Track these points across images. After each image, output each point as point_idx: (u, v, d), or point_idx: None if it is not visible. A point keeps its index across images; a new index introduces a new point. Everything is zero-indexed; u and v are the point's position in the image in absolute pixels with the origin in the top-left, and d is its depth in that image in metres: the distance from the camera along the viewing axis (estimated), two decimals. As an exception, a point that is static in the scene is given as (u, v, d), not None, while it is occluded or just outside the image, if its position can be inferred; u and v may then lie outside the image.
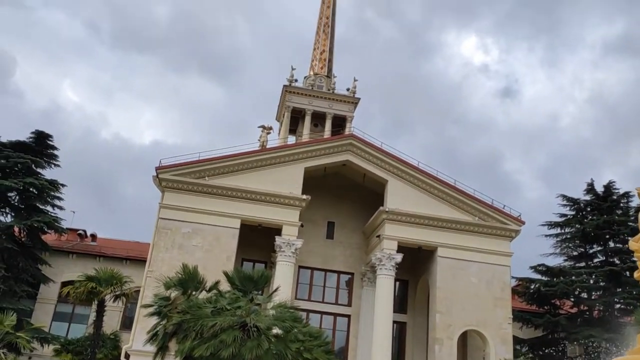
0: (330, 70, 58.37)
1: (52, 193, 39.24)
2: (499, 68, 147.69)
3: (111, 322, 37.93)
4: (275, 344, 17.66)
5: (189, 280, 20.98)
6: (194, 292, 20.70)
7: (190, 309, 18.93)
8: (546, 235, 43.34)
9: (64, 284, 36.81)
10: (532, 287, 41.92)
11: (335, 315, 40.45)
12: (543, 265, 42.18)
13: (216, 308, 18.27)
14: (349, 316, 40.41)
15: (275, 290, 22.24)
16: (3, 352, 18.31)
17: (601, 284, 40.99)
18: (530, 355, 40.31)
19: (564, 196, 43.50)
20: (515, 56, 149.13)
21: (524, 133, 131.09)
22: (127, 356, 33.21)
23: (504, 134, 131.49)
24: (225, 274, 21.14)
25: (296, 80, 55.39)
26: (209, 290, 20.72)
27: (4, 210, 38.75)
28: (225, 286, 20.69)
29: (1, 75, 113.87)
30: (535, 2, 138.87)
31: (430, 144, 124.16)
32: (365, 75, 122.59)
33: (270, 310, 19.14)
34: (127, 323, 38.98)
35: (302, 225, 37.72)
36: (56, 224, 39.09)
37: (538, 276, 42.37)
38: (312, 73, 57.75)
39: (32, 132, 39.65)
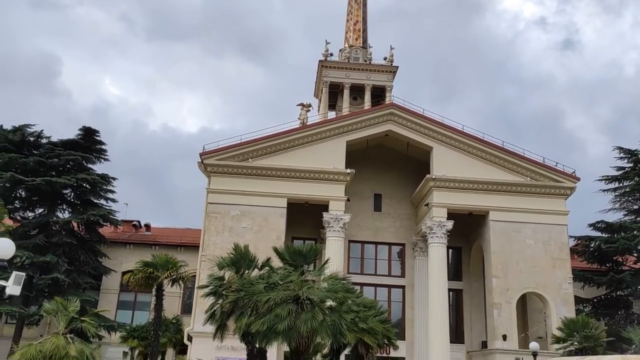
0: (365, 40, 57.42)
1: (105, 187, 40.47)
2: (557, 20, 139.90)
3: (172, 307, 39.16)
4: (330, 315, 17.67)
5: (241, 259, 21.21)
6: (246, 271, 20.91)
7: (244, 286, 19.13)
8: (603, 190, 41.88)
9: (124, 274, 38.11)
10: (592, 245, 40.64)
11: (390, 287, 40.36)
12: (602, 222, 40.84)
13: (269, 284, 18.38)
14: (403, 287, 40.24)
15: (326, 262, 22.24)
16: (71, 337, 19.00)
17: (665, 236, 39.27)
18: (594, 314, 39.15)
19: (620, 148, 41.83)
20: (575, 5, 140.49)
21: (586, 86, 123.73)
22: (189, 338, 34.19)
23: (564, 89, 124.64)
24: (275, 249, 21.27)
25: (332, 55, 54.77)
26: (261, 268, 20.88)
27: (61, 207, 40.25)
28: (276, 263, 20.79)
29: (49, 76, 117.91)
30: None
31: (483, 108, 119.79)
32: (413, 43, 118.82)
33: (322, 282, 19.13)
34: (187, 308, 40.12)
35: (348, 200, 37.60)
36: (111, 216, 40.33)
37: (598, 234, 41.05)
38: (347, 45, 56.99)
39: (80, 129, 40.77)
